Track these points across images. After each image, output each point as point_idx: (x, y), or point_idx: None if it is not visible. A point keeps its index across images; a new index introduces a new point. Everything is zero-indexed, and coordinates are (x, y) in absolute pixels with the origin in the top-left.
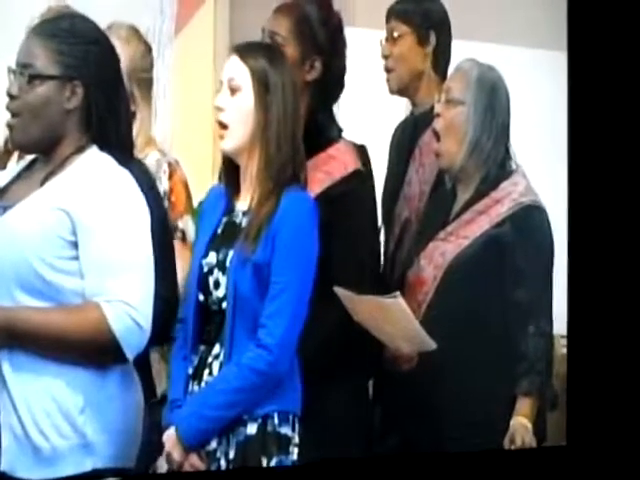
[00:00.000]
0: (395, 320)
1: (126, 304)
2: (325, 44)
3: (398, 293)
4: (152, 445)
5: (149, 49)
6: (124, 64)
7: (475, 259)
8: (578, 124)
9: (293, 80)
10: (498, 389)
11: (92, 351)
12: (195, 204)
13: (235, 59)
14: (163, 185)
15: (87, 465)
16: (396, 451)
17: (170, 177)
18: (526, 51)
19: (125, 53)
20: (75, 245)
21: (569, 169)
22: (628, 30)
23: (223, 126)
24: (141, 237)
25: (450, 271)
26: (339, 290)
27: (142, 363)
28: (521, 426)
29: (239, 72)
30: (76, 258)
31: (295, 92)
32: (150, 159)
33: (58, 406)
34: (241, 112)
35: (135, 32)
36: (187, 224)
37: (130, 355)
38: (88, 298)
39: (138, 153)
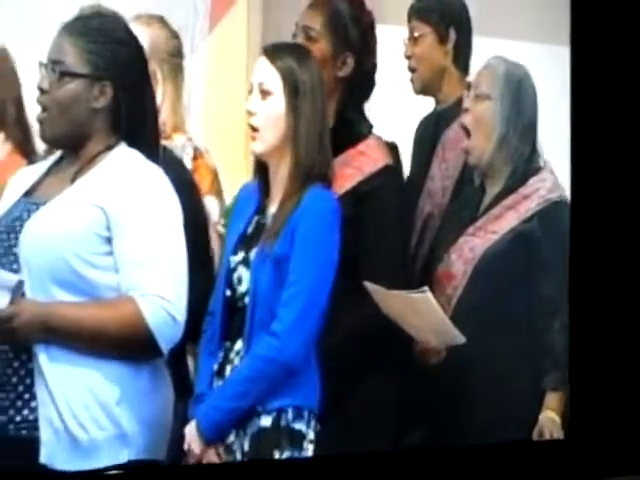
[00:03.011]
0: (424, 314)
1: (161, 298)
2: (357, 40)
3: (427, 288)
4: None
5: (174, 35)
6: (146, 46)
7: (504, 254)
8: (581, 118)
9: (321, 79)
10: (525, 383)
11: (127, 345)
12: (228, 199)
13: (264, 61)
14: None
15: (123, 456)
16: (422, 445)
17: (194, 159)
18: (528, 46)
19: (146, 35)
20: (109, 241)
21: (571, 164)
22: (631, 25)
23: (254, 129)
24: (174, 231)
25: (480, 266)
26: (369, 285)
27: (177, 358)
28: (550, 420)
29: (269, 76)
30: (110, 253)
31: (323, 92)
32: (176, 143)
33: (95, 398)
34: (272, 116)
35: (158, 18)
36: (210, 205)
37: (165, 348)
38: (123, 292)
39: (166, 139)
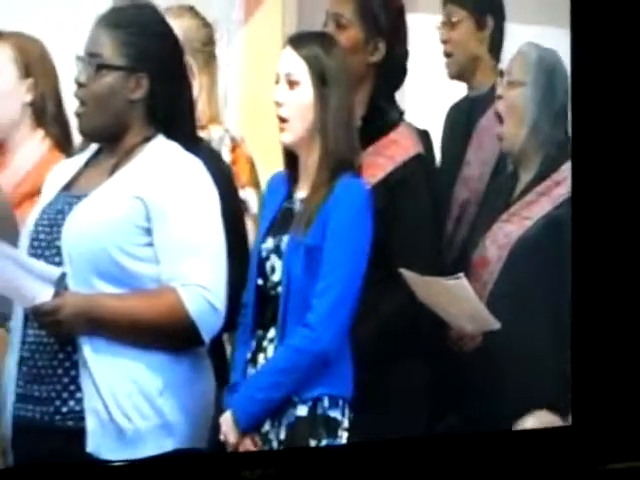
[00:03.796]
0: (459, 300)
1: (201, 287)
2: (388, 26)
3: (462, 274)
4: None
5: (205, 23)
6: (179, 37)
7: (537, 240)
8: (581, 103)
9: (347, 66)
10: (558, 368)
11: (169, 334)
12: (262, 185)
13: (290, 51)
14: (225, 158)
15: (167, 445)
16: (455, 431)
17: (232, 150)
18: (528, 28)
19: (178, 26)
20: (149, 232)
21: (572, 158)
22: (632, 8)
23: (283, 120)
24: (212, 221)
25: (514, 252)
26: (405, 272)
27: (217, 348)
28: None
29: (296, 66)
30: (151, 244)
31: (349, 79)
32: (214, 134)
33: (139, 388)
34: (300, 106)
35: (188, 8)
36: (249, 196)
37: (206, 337)
38: (164, 283)
39: (202, 130)
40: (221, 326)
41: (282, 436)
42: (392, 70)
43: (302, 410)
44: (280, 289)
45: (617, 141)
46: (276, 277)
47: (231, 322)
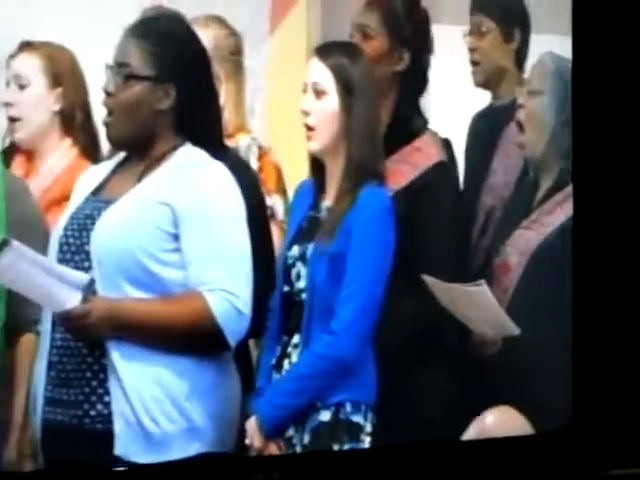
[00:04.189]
0: (480, 307)
1: (228, 292)
2: (412, 36)
3: (483, 281)
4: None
5: (232, 32)
6: (207, 47)
7: (554, 248)
8: (582, 109)
9: (373, 75)
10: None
11: (196, 339)
12: (289, 192)
13: (316, 61)
14: (252, 166)
15: (193, 449)
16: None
17: (259, 159)
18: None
19: (205, 35)
20: (177, 237)
21: (574, 157)
22: (633, 14)
23: (310, 128)
24: (239, 227)
25: (533, 258)
26: (427, 278)
27: (242, 353)
28: None
29: (322, 75)
30: (178, 250)
31: (375, 88)
32: (241, 143)
33: (166, 392)
34: (326, 115)
35: (215, 19)
36: (276, 203)
37: (232, 342)
38: (191, 288)
39: (229, 138)
40: (247, 331)
41: (306, 441)
42: (416, 78)
43: (325, 415)
44: (305, 296)
45: (617, 145)
46: (301, 284)
47: (256, 327)
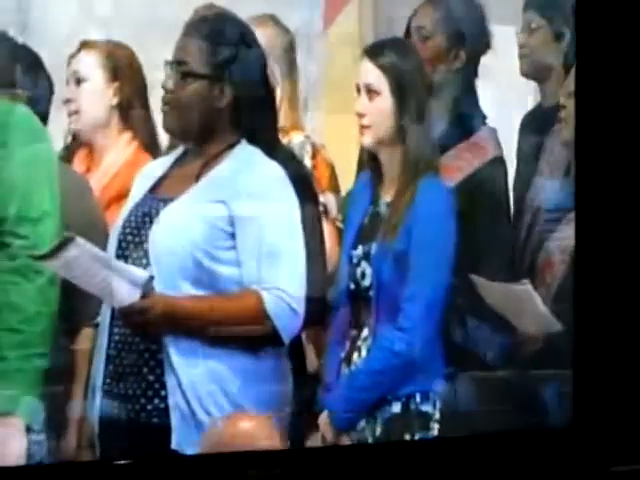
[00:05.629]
0: (524, 306)
1: (282, 290)
2: (468, 35)
3: (527, 280)
4: (301, 424)
5: (286, 30)
6: (261, 44)
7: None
8: (585, 104)
9: (424, 71)
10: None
11: (250, 336)
12: (343, 193)
13: (367, 62)
14: (306, 163)
15: None
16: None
17: (313, 157)
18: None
19: (260, 34)
20: (232, 235)
21: (576, 155)
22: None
23: (365, 127)
24: (292, 224)
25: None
26: (474, 277)
27: (295, 349)
28: None
29: (373, 76)
30: (233, 248)
31: (427, 83)
32: (295, 141)
33: (221, 387)
34: (380, 114)
35: (269, 17)
36: (329, 200)
37: (286, 339)
38: (246, 286)
39: (283, 136)
40: (300, 327)
41: (378, 432)
42: (473, 74)
43: (396, 407)
44: (371, 293)
45: (621, 140)
46: (367, 282)
47: (309, 323)
